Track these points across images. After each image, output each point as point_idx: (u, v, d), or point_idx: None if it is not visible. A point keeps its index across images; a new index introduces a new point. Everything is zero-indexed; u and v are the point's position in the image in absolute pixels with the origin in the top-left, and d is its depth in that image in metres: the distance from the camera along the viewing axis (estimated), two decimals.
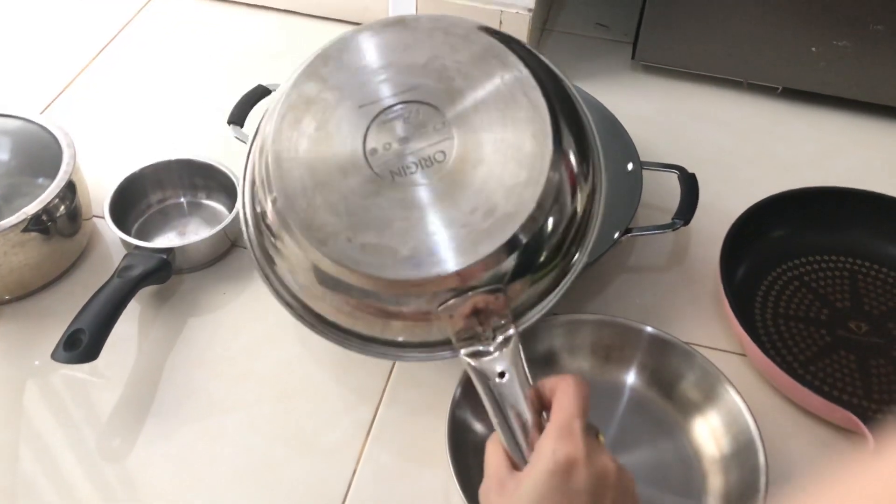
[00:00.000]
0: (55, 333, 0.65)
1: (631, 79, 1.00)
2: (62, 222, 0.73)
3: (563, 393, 0.47)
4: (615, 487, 0.45)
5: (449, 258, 0.48)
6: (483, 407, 0.64)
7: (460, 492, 0.57)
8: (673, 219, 0.72)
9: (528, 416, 0.49)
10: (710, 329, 0.73)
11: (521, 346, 0.51)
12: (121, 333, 0.69)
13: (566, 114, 0.52)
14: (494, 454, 0.49)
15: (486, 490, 0.48)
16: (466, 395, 0.63)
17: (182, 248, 0.74)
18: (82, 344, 0.63)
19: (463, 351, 0.51)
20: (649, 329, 0.67)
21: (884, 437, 0.61)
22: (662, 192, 0.81)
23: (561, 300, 0.53)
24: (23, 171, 0.76)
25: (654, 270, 0.79)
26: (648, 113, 0.95)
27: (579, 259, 0.52)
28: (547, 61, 0.54)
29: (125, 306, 0.67)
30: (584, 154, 0.52)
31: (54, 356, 0.63)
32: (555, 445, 0.44)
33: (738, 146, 0.92)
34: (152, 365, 0.70)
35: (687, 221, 0.72)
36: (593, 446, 0.45)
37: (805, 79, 0.94)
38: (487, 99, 0.50)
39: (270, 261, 0.54)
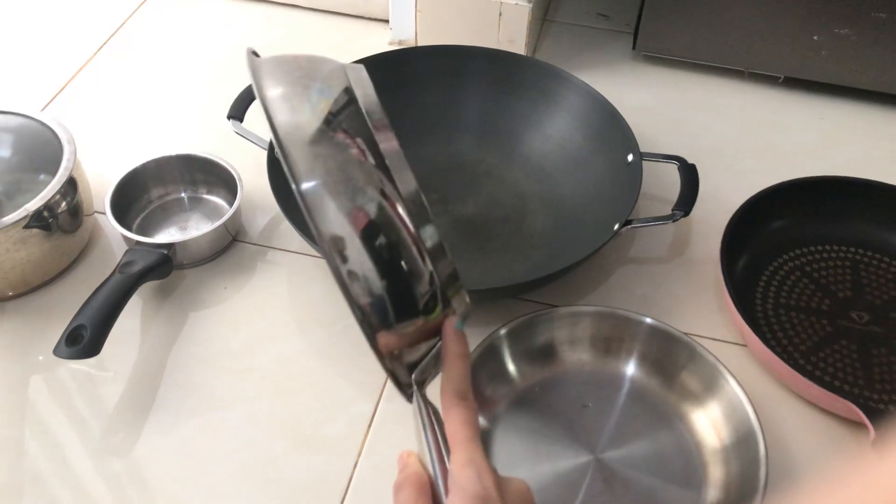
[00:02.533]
0: (58, 329, 0.65)
1: (631, 69, 0.99)
2: (63, 218, 0.73)
3: (452, 423, 0.44)
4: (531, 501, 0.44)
5: None
6: (484, 400, 0.64)
7: None
8: (673, 210, 0.72)
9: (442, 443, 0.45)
10: (710, 320, 0.73)
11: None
12: (123, 328, 0.69)
13: None
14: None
15: None
16: None
17: (183, 243, 0.74)
18: (84, 339, 0.63)
19: (416, 378, 0.46)
20: (649, 320, 0.67)
21: (885, 427, 0.61)
22: (662, 184, 0.81)
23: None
24: (24, 168, 0.76)
25: (655, 262, 0.79)
26: (649, 103, 0.94)
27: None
28: None
29: (126, 302, 0.68)
30: None
31: (56, 352, 0.63)
32: (463, 482, 0.42)
33: (739, 136, 0.91)
34: (155, 360, 0.70)
35: (687, 212, 0.72)
36: (497, 476, 0.43)
37: (807, 68, 0.93)
38: None
39: None
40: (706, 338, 0.71)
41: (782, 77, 0.96)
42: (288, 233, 0.79)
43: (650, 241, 0.80)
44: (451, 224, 0.80)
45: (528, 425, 0.65)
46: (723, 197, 0.80)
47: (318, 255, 0.75)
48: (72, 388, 0.69)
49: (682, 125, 0.92)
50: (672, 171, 0.77)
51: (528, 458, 0.63)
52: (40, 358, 0.70)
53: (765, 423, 0.61)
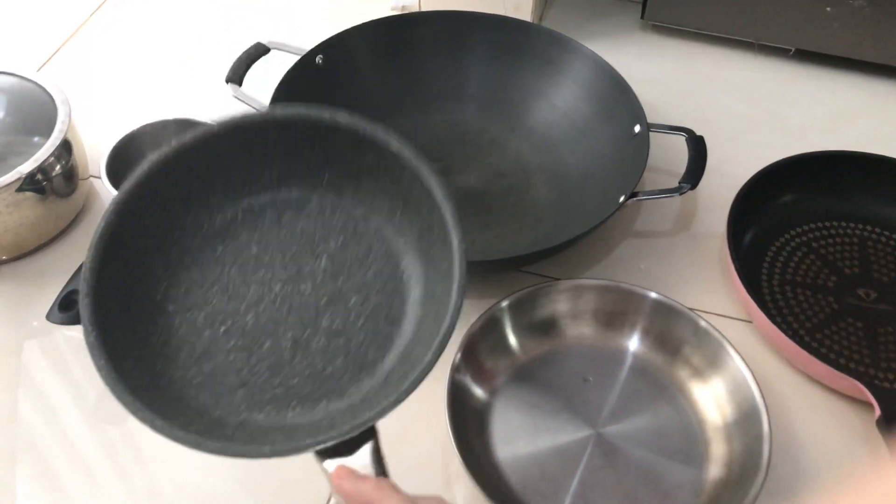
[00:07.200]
0: (52, 294, 0.64)
1: (640, 39, 0.97)
2: (58, 182, 0.71)
3: None
4: None
5: None
6: (484, 372, 0.64)
7: (459, 457, 0.57)
8: (680, 183, 0.71)
9: None
10: (715, 295, 0.72)
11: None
12: None
13: None
14: None
15: None
16: (466, 361, 0.62)
17: None
18: (77, 305, 0.62)
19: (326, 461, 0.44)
20: (653, 295, 0.65)
21: (890, 406, 0.60)
22: (669, 156, 0.80)
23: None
24: (17, 130, 0.75)
25: (660, 235, 0.78)
26: (657, 74, 0.93)
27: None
28: None
29: None
30: None
31: (49, 317, 0.62)
32: None
33: (748, 109, 0.90)
34: None
35: (694, 185, 0.70)
36: None
37: (818, 40, 0.91)
38: None
39: None
40: (710, 313, 0.70)
41: (793, 49, 0.94)
42: None
43: (655, 215, 0.79)
44: (454, 195, 0.78)
45: (528, 398, 0.64)
46: (730, 170, 0.79)
47: None
48: (66, 353, 0.68)
49: (690, 97, 0.91)
50: (678, 143, 0.76)
51: (527, 432, 0.62)
52: (34, 323, 0.69)
53: (769, 401, 0.60)
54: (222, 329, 0.48)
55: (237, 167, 0.51)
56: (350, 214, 0.51)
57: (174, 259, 0.50)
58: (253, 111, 0.51)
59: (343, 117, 0.48)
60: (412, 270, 0.50)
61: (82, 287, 0.45)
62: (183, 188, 0.50)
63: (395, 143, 0.48)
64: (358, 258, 0.50)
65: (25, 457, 0.62)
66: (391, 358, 0.48)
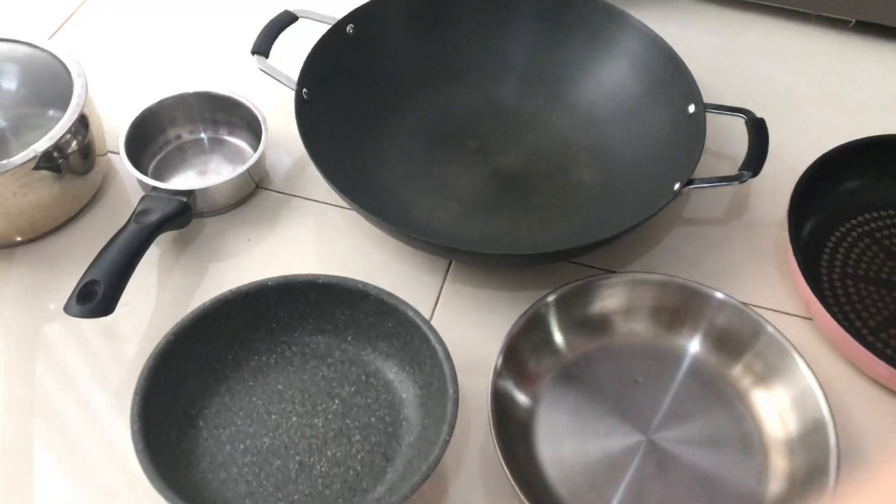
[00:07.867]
0: (69, 277, 0.61)
1: (686, 9, 0.92)
2: (74, 159, 0.67)
3: None
4: None
5: None
6: (528, 373, 0.60)
7: (503, 463, 0.53)
8: (740, 169, 0.66)
9: None
10: (771, 289, 0.68)
11: None
12: (139, 279, 0.65)
13: None
14: None
15: None
16: (508, 362, 0.58)
17: (203, 190, 0.68)
18: (97, 296, 0.59)
19: None
20: (719, 295, 0.61)
21: None
22: (720, 136, 0.75)
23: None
24: (31, 102, 0.70)
25: (711, 223, 0.73)
26: (704, 47, 0.87)
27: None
28: None
29: (143, 254, 0.63)
30: None
31: (67, 309, 0.59)
32: None
33: (804, 86, 0.84)
34: (172, 313, 0.66)
35: (756, 173, 0.65)
36: None
37: (882, 10, 0.86)
38: None
39: None
40: (766, 308, 0.66)
41: (853, 21, 0.88)
42: (314, 180, 0.73)
43: (707, 202, 0.74)
44: (492, 176, 0.74)
45: (574, 400, 0.60)
46: (784, 153, 0.74)
47: (346, 206, 0.70)
48: (85, 338, 0.65)
49: (742, 72, 0.85)
50: (730, 123, 0.71)
51: (574, 436, 0.58)
52: (51, 306, 0.66)
53: (832, 407, 0.56)
54: (241, 447, 0.57)
55: (280, 318, 0.61)
56: (365, 369, 0.61)
57: (211, 385, 0.60)
58: (300, 274, 0.61)
59: (373, 289, 0.59)
60: (411, 418, 0.58)
61: (137, 387, 0.55)
62: (232, 328, 0.60)
63: (412, 313, 0.58)
64: (366, 404, 0.59)
65: (42, 452, 0.59)
66: (381, 489, 0.55)
